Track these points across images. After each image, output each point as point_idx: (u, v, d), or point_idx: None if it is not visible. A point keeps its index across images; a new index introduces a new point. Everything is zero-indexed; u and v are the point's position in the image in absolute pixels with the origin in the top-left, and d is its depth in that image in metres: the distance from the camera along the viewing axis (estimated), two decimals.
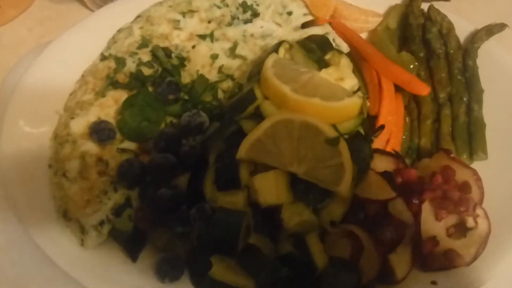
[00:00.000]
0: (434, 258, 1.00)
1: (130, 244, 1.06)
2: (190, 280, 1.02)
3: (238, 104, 1.06)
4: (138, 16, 1.34)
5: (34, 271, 1.12)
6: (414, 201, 1.01)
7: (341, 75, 1.10)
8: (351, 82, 1.09)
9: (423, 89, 1.20)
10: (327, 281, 0.94)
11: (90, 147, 1.13)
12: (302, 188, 0.95)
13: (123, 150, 1.13)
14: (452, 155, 1.08)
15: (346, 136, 1.00)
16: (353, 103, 1.00)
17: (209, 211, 0.99)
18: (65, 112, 1.21)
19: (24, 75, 1.23)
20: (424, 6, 1.38)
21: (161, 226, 1.05)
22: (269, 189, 0.94)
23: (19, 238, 1.14)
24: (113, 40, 1.31)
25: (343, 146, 0.94)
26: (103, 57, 1.27)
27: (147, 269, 1.05)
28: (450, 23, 1.33)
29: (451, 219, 1.03)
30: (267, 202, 0.94)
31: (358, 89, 1.09)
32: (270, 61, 1.05)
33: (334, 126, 0.98)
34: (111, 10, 1.36)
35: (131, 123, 1.13)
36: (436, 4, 1.37)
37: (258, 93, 1.04)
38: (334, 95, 1.00)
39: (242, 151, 0.95)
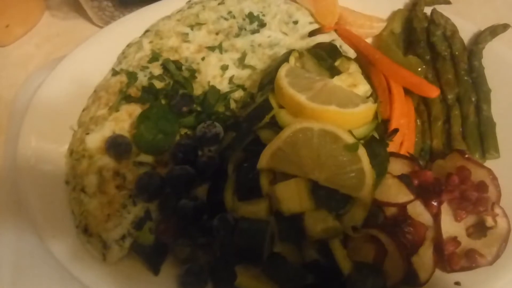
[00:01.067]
0: (456, 259, 1.01)
1: (152, 257, 1.06)
2: None
3: (254, 114, 1.07)
4: (147, 31, 1.36)
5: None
6: (433, 202, 1.03)
7: (354, 82, 1.11)
8: (364, 87, 1.10)
9: (433, 91, 1.22)
10: (353, 287, 0.94)
11: (107, 161, 1.14)
12: (323, 195, 0.96)
13: (140, 164, 1.14)
14: (466, 156, 1.10)
15: (362, 142, 1.01)
16: (368, 109, 1.02)
17: (232, 221, 1.00)
18: (80, 127, 1.22)
19: (37, 92, 1.24)
20: (427, 10, 1.41)
21: (183, 238, 1.05)
22: (292, 197, 0.95)
23: (37, 256, 1.14)
24: (124, 55, 1.32)
25: (362, 152, 0.95)
26: (114, 72, 1.28)
27: (170, 281, 1.05)
28: (453, 25, 1.36)
29: (470, 219, 1.05)
30: (290, 210, 0.95)
31: (371, 95, 1.11)
32: (283, 70, 1.06)
33: (350, 132, 1.00)
34: (120, 25, 1.37)
35: (147, 136, 1.14)
36: (438, 7, 1.40)
37: (273, 102, 1.05)
38: (350, 101, 1.01)
39: (263, 161, 0.96)
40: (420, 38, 1.36)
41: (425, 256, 1.00)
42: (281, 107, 1.06)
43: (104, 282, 1.03)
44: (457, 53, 1.32)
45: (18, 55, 1.52)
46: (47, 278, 1.12)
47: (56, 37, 1.56)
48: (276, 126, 1.03)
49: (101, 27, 1.53)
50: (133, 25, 1.36)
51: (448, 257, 1.01)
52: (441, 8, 1.40)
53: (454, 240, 1.02)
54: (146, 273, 1.06)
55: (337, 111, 0.99)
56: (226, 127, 1.17)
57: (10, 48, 1.54)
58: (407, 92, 1.27)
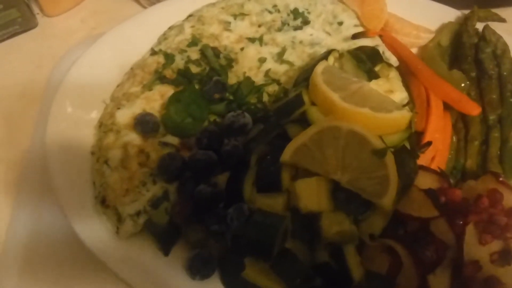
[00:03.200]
0: (474, 284, 0.96)
1: (164, 237, 1.06)
2: (220, 279, 1.02)
3: (284, 108, 1.06)
4: (190, 15, 1.36)
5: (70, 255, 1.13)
6: (458, 222, 0.98)
7: (391, 88, 1.08)
8: (400, 95, 1.07)
9: (474, 109, 1.17)
10: None
11: (133, 138, 1.14)
12: (343, 197, 0.94)
13: (165, 144, 1.14)
14: (500, 179, 1.04)
15: (392, 149, 0.97)
16: (403, 116, 0.98)
17: (246, 212, 0.98)
18: (112, 102, 1.23)
19: (75, 63, 1.26)
20: (478, 26, 1.36)
21: (197, 223, 1.04)
22: (311, 195, 0.93)
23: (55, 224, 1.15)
24: (164, 37, 1.33)
25: (389, 159, 0.92)
26: (153, 52, 1.29)
27: (179, 264, 1.05)
28: (505, 44, 1.30)
29: (496, 245, 0.99)
30: (307, 208, 0.93)
31: (408, 103, 1.07)
32: (320, 67, 1.04)
33: (380, 138, 0.97)
34: (164, 7, 1.39)
35: (175, 118, 1.14)
36: (491, 24, 1.34)
37: (306, 98, 1.04)
38: (384, 106, 0.98)
39: (287, 155, 0.94)
40: (467, 53, 1.31)
41: (442, 276, 0.95)
42: (313, 104, 1.04)
43: (114, 255, 1.03)
44: (505, 73, 1.26)
45: (63, 27, 1.55)
46: (60, 247, 1.13)
47: (101, 14, 1.58)
48: (305, 123, 1.01)
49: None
50: (177, 8, 1.37)
51: (466, 281, 0.96)
52: (494, 26, 1.34)
53: (476, 264, 0.97)
54: (156, 253, 1.06)
55: (370, 114, 0.96)
56: (255, 118, 1.15)
57: (55, 20, 1.57)
58: (447, 107, 1.22)
